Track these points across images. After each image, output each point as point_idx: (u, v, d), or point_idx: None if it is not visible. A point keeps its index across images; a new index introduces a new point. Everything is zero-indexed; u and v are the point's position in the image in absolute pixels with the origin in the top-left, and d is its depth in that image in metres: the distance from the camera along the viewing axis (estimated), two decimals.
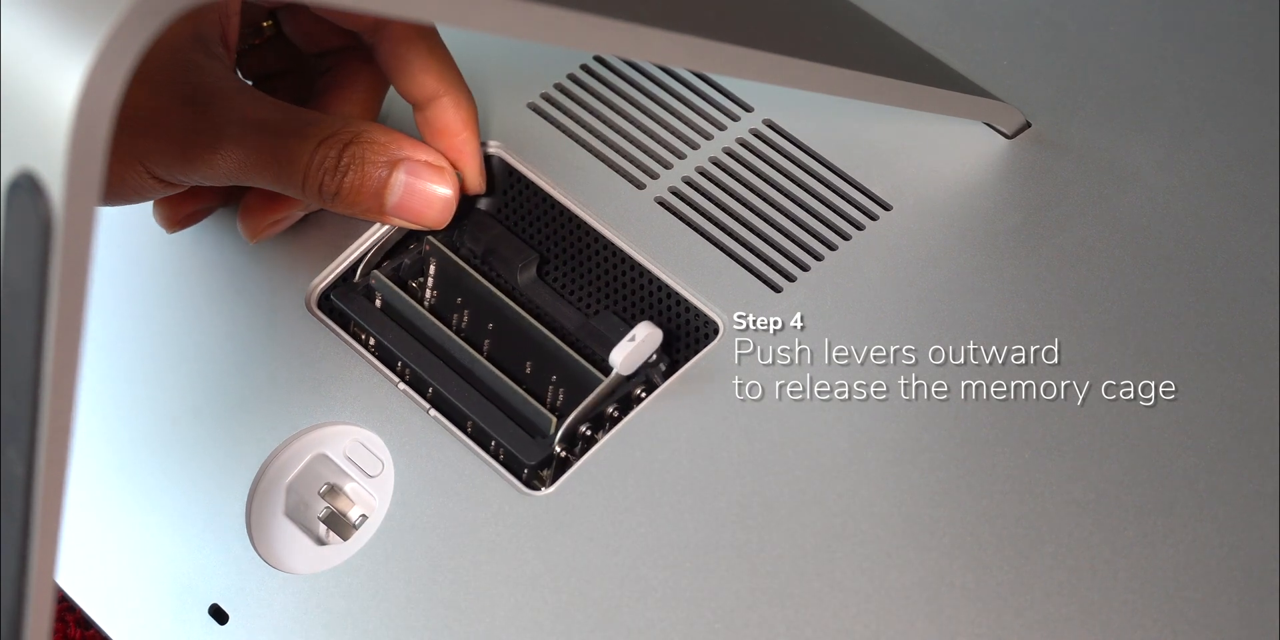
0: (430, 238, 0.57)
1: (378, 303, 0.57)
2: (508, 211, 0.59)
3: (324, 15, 0.52)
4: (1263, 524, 0.50)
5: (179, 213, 0.56)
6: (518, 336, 0.56)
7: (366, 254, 0.57)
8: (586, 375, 0.54)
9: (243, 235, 0.56)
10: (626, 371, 0.52)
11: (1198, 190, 0.56)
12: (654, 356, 0.53)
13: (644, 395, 0.54)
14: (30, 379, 0.33)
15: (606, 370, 0.53)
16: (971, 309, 0.54)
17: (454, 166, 0.54)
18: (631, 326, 0.53)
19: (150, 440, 0.55)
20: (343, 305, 0.56)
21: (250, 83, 0.56)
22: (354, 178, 0.52)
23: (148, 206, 0.57)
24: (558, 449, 0.53)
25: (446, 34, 0.58)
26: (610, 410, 0.54)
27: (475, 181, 0.55)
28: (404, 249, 0.57)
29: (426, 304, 0.57)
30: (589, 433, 0.53)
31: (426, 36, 0.52)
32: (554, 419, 0.53)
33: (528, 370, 0.55)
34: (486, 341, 0.56)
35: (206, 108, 0.50)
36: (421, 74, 0.52)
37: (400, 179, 0.53)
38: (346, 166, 0.52)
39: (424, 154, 0.53)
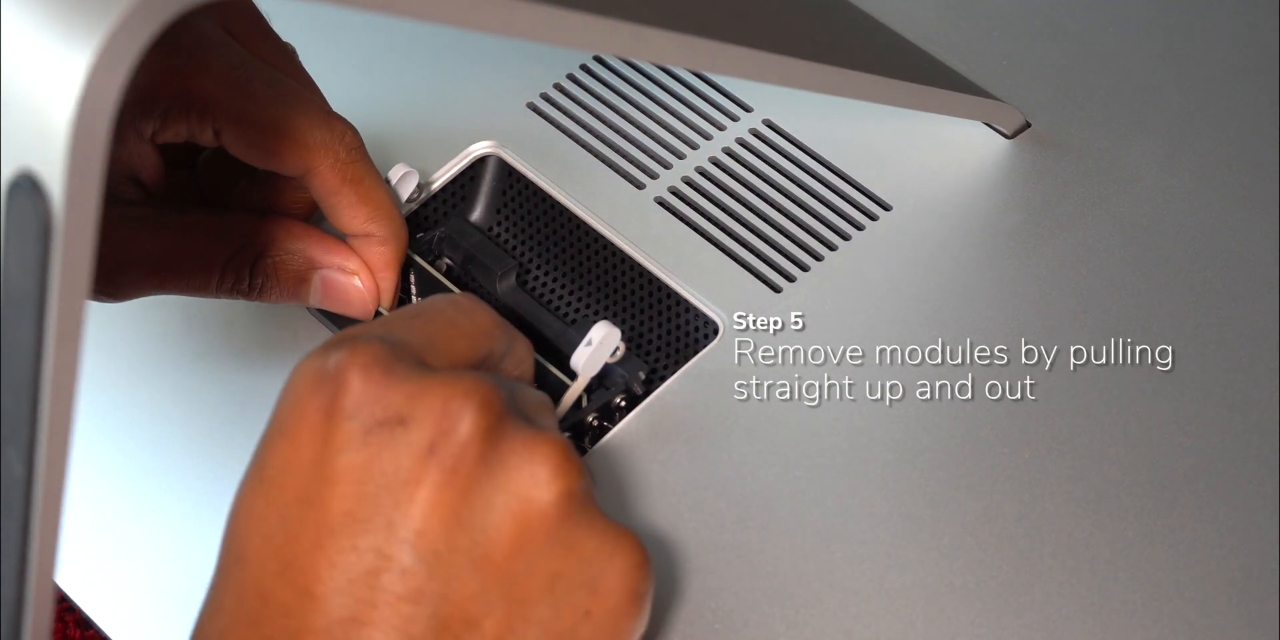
0: None
1: None
2: (507, 211, 0.59)
3: (254, 163, 0.51)
4: (1263, 525, 0.50)
5: None
6: None
7: None
8: (559, 383, 0.54)
9: None
10: (588, 375, 0.51)
11: (1198, 190, 0.56)
12: (619, 353, 0.52)
13: (624, 403, 0.54)
14: (30, 379, 0.33)
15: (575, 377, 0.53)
16: (971, 309, 0.54)
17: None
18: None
19: (151, 440, 0.55)
20: (322, 315, 0.56)
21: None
22: (271, 291, 0.52)
23: None
24: None
25: (448, 33, 0.58)
26: (590, 419, 0.53)
27: (386, 304, 0.54)
28: None
29: None
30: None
31: (356, 182, 0.51)
32: None
33: None
34: None
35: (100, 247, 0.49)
36: (350, 219, 0.52)
37: (316, 284, 0.53)
38: (259, 285, 0.52)
39: (336, 256, 0.53)
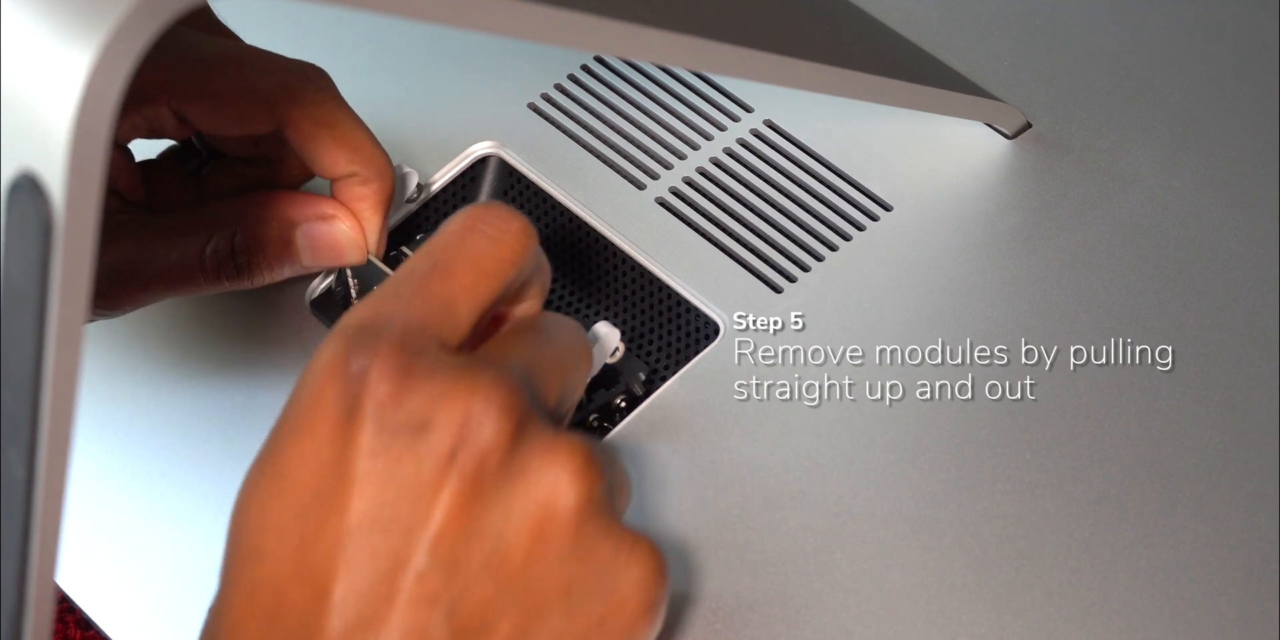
0: (404, 247, 0.57)
1: None
2: None
3: (227, 131, 0.50)
4: (1263, 525, 0.50)
5: None
6: None
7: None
8: None
9: None
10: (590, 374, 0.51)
11: (1198, 190, 0.56)
12: (618, 354, 0.52)
13: (624, 404, 0.54)
14: (31, 379, 0.33)
15: None
16: (972, 309, 0.54)
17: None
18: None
19: (151, 440, 0.55)
20: (321, 316, 0.56)
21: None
22: (260, 266, 0.51)
23: None
24: None
25: (448, 33, 0.58)
26: (590, 419, 0.53)
27: (374, 248, 0.53)
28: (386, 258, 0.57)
29: None
30: None
31: (330, 125, 0.50)
32: None
33: None
34: None
35: None
36: (330, 163, 0.50)
37: (302, 242, 0.51)
38: (245, 264, 0.51)
39: (310, 208, 0.51)
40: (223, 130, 0.49)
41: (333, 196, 0.51)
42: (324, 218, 0.51)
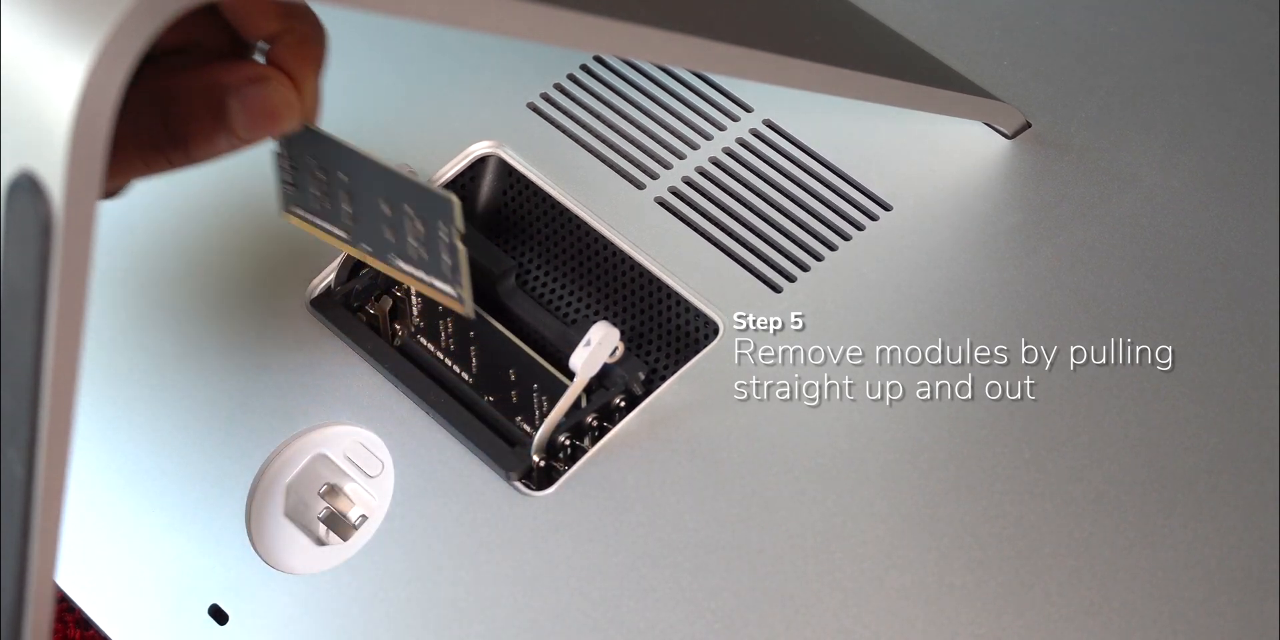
0: None
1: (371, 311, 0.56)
2: (507, 211, 0.59)
3: None
4: (1263, 525, 0.50)
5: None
6: (500, 346, 0.55)
7: (344, 261, 0.56)
8: (558, 384, 0.54)
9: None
10: (587, 375, 0.51)
11: (1197, 190, 0.56)
12: (618, 353, 0.52)
13: (623, 404, 0.54)
14: (30, 379, 0.33)
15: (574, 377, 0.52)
16: (971, 309, 0.54)
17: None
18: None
19: (150, 440, 0.55)
20: (321, 315, 0.56)
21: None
22: (196, 135, 0.48)
23: (148, 206, 0.57)
24: (536, 459, 0.53)
25: (448, 33, 0.58)
26: (589, 420, 0.53)
27: (310, 110, 0.50)
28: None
29: (414, 312, 0.57)
30: (568, 442, 0.53)
31: None
32: (527, 430, 0.53)
33: (512, 378, 0.55)
34: (473, 350, 0.56)
35: None
36: (263, 21, 0.48)
37: (235, 106, 0.48)
38: (179, 134, 0.48)
39: (242, 71, 0.49)
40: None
41: (267, 62, 0.49)
42: (256, 79, 0.49)
